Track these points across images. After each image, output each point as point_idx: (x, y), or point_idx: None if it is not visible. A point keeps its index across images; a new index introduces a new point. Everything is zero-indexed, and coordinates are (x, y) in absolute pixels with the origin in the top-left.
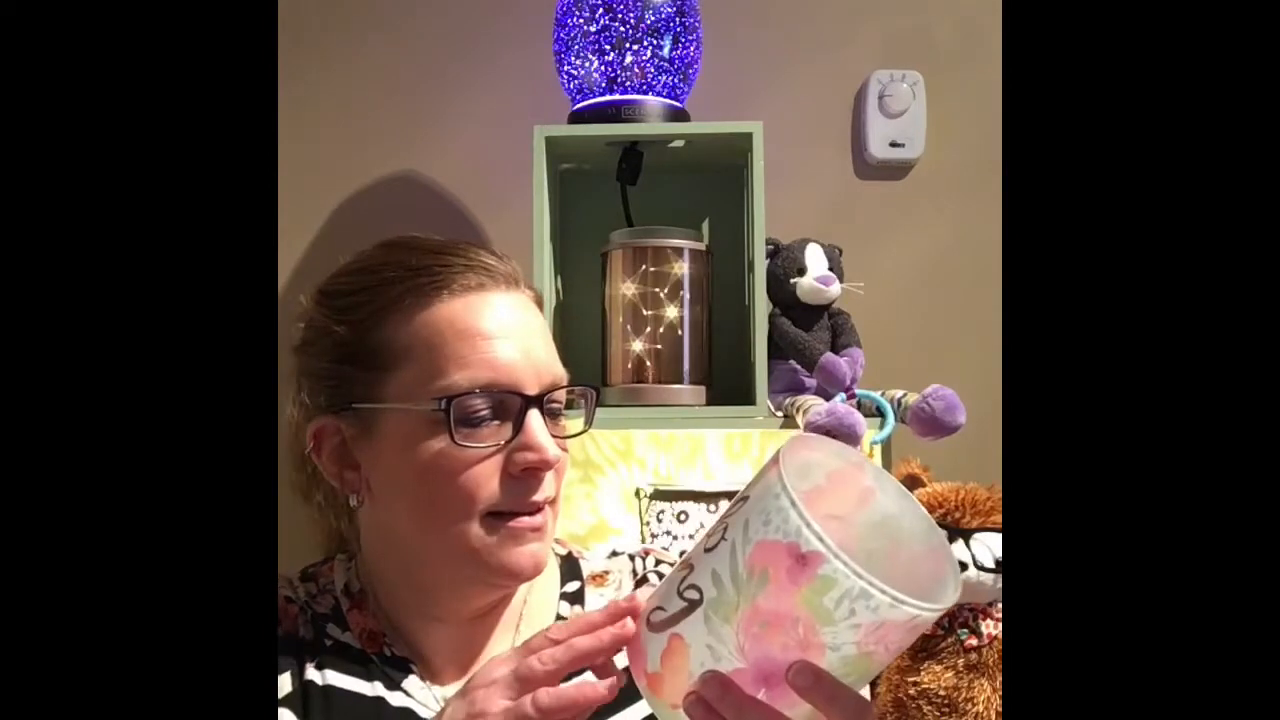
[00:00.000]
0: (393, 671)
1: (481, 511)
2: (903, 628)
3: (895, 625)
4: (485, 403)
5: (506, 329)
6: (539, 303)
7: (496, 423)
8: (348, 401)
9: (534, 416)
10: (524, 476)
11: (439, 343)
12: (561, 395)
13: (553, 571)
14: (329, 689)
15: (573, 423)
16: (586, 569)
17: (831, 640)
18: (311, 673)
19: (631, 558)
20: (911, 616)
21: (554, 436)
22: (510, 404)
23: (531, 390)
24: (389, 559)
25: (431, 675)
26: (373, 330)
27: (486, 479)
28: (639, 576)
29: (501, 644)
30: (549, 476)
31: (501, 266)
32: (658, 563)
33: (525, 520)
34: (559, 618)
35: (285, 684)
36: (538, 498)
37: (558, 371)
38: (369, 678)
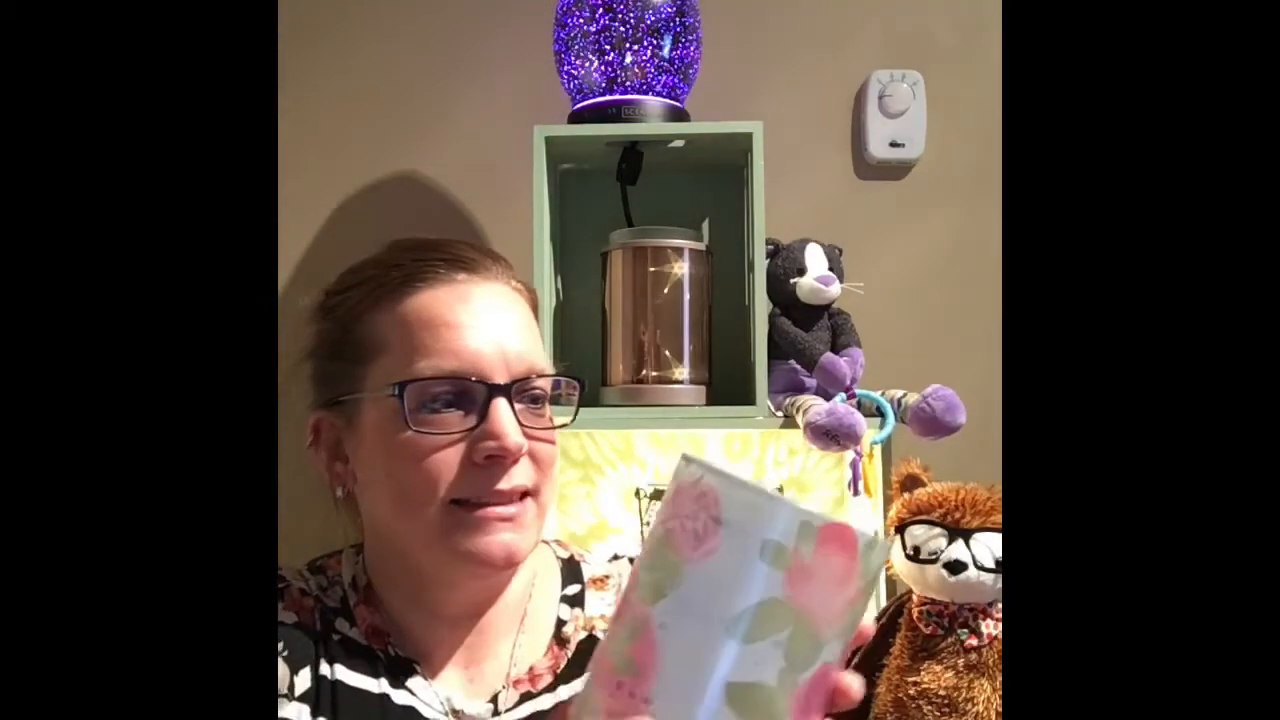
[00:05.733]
0: (397, 669)
1: (446, 499)
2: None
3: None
4: (444, 389)
5: (476, 319)
6: (529, 297)
7: (461, 411)
8: (336, 395)
9: (499, 405)
10: (488, 465)
11: (408, 334)
12: (545, 384)
13: (554, 574)
14: (337, 684)
15: (580, 414)
16: (588, 572)
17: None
18: (323, 668)
19: (632, 561)
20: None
21: (531, 428)
22: (476, 393)
23: (499, 379)
24: (381, 550)
25: (434, 674)
26: (354, 325)
27: (449, 466)
28: None
29: (504, 645)
30: (522, 467)
31: (482, 260)
32: None
33: (494, 510)
34: (559, 621)
35: (305, 680)
36: (503, 486)
37: (534, 362)
38: (375, 674)
